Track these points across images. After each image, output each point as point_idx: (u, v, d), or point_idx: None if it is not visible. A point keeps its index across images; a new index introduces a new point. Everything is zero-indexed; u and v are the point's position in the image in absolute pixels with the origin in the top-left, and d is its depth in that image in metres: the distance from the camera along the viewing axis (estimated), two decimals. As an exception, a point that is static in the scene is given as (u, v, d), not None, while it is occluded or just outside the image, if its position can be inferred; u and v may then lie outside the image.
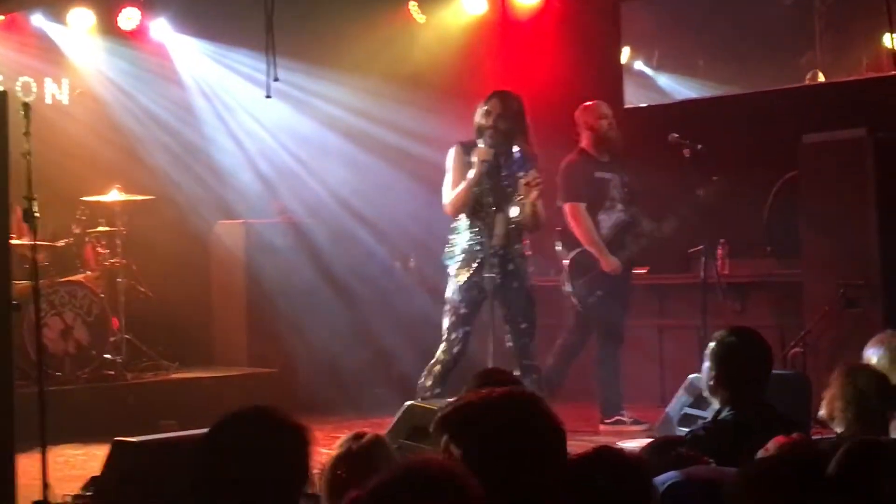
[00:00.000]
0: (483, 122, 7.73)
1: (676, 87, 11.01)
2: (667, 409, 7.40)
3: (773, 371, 4.91)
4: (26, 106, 6.26)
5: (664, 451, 3.97)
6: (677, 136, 8.60)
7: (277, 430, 3.12)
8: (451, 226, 7.89)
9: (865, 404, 4.60)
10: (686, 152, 8.55)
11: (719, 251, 9.33)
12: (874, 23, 9.44)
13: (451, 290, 7.79)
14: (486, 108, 7.75)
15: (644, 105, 10.87)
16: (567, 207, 8.72)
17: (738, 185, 8.81)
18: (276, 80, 6.93)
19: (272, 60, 6.71)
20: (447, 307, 7.80)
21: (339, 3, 10.50)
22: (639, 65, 11.09)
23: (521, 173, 7.71)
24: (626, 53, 10.99)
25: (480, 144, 7.68)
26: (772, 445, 3.73)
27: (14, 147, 6.00)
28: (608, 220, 8.74)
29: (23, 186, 6.10)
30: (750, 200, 9.32)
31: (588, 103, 8.93)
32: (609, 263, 8.61)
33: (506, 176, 7.73)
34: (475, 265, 7.66)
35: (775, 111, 9.62)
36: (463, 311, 7.71)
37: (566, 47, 10.78)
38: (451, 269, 7.80)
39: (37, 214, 6.15)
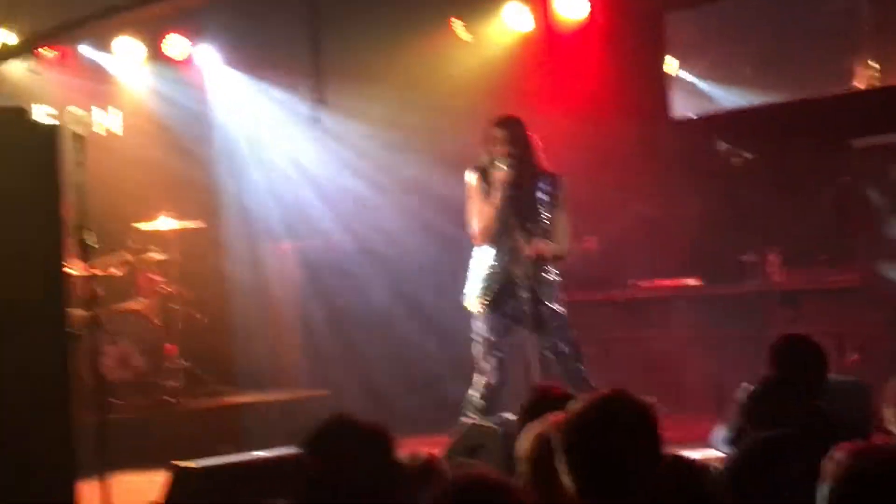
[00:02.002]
0: (495, 150, 7.51)
1: (724, 96, 10.94)
2: (723, 419, 7.33)
3: (832, 378, 4.87)
4: (79, 137, 6.35)
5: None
6: (726, 145, 8.57)
7: (365, 436, 3.29)
8: (473, 252, 7.72)
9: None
10: (736, 161, 8.52)
11: (773, 259, 9.27)
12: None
13: (476, 319, 7.64)
14: (492, 137, 7.55)
15: (691, 115, 10.81)
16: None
17: (791, 192, 8.76)
18: (323, 103, 6.90)
19: (319, 84, 6.69)
20: (476, 337, 7.63)
21: (384, 25, 10.50)
22: (685, 74, 11.04)
23: (545, 197, 7.63)
24: (673, 64, 10.94)
25: (500, 166, 7.49)
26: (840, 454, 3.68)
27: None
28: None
29: (77, 217, 6.18)
30: (802, 207, 9.25)
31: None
32: None
33: (528, 199, 7.56)
34: (497, 291, 7.51)
35: (825, 117, 9.56)
36: (493, 338, 7.55)
37: (612, 60, 10.73)
38: (480, 299, 7.60)
39: (94, 245, 6.22)
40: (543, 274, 7.60)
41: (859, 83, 9.88)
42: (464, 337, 7.90)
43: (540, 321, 7.55)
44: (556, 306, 7.63)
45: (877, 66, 9.82)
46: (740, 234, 8.77)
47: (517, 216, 7.47)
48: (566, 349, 7.61)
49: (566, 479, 3.09)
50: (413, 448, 4.09)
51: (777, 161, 9.16)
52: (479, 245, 7.64)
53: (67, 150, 6.14)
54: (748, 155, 8.46)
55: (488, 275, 7.58)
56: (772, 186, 8.57)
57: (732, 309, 9.68)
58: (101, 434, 6.38)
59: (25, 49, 7.56)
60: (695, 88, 11.02)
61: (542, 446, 3.48)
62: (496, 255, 7.57)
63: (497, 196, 7.46)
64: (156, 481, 5.79)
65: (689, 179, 9.37)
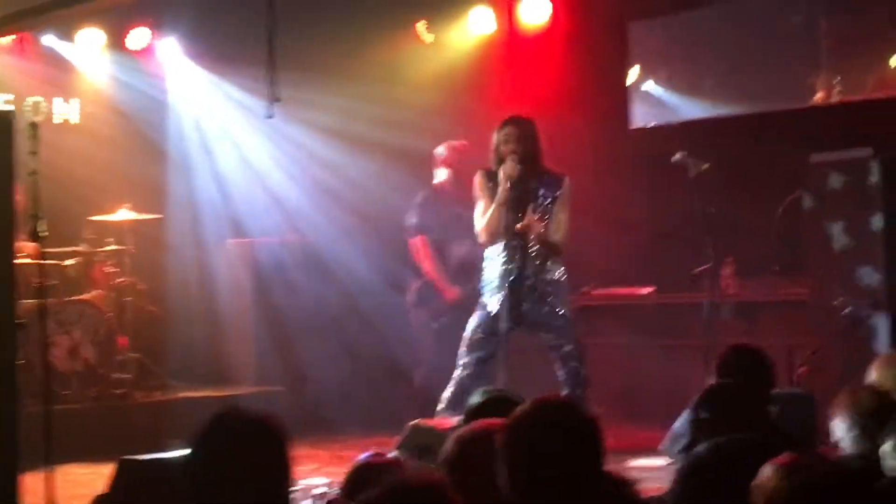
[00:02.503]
0: (503, 149, 7.63)
1: (684, 106, 11.00)
2: (674, 426, 7.37)
3: (781, 390, 4.90)
4: (34, 126, 6.31)
5: None
6: (681, 155, 8.59)
7: (254, 432, 3.21)
8: (485, 254, 7.84)
9: (867, 424, 4.58)
10: (691, 172, 8.54)
11: (726, 270, 9.32)
12: (881, 43, 9.46)
13: (473, 316, 7.74)
14: (502, 135, 7.65)
15: (649, 125, 10.87)
16: (415, 240, 9.19)
17: (746, 203, 8.81)
18: (277, 100, 6.88)
19: (273, 80, 6.66)
20: (467, 331, 7.74)
21: (345, 23, 10.50)
22: (648, 84, 11.09)
23: (547, 196, 7.69)
24: (634, 73, 10.99)
25: (507, 163, 7.56)
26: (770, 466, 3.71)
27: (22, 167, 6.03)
28: (458, 252, 9.12)
29: (29, 205, 6.15)
30: (757, 219, 9.30)
31: (454, 143, 9.29)
32: (450, 293, 9.03)
33: (535, 199, 7.66)
34: (505, 292, 7.57)
35: (782, 131, 9.63)
36: (478, 335, 7.63)
37: (573, 66, 10.75)
38: (484, 297, 7.74)
39: (44, 233, 6.18)
40: (549, 273, 7.68)
41: (818, 98, 9.96)
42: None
43: (541, 320, 7.64)
44: (561, 305, 7.70)
45: (835, 81, 9.90)
46: (694, 244, 8.79)
47: (523, 214, 7.56)
48: (568, 348, 7.68)
49: (502, 481, 3.12)
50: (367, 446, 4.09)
51: (734, 172, 9.20)
52: (485, 244, 7.74)
53: (22, 138, 6.10)
54: (705, 165, 8.48)
55: (498, 274, 7.64)
56: (727, 197, 8.60)
57: (685, 318, 9.73)
58: (47, 425, 6.33)
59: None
60: (655, 98, 11.08)
61: (462, 449, 3.49)
62: (506, 254, 7.63)
63: (501, 192, 7.53)
64: (102, 474, 5.77)
65: (646, 188, 9.40)
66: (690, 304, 9.44)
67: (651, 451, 8.21)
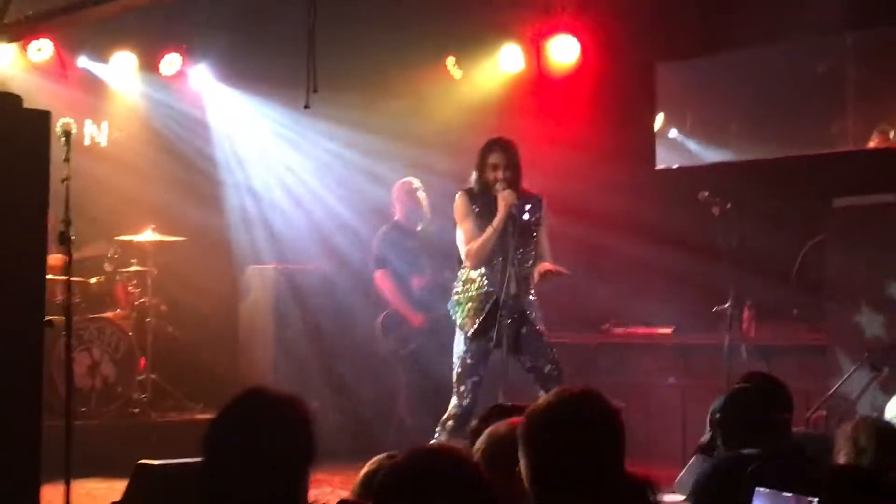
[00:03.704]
0: (490, 175, 7.60)
1: (707, 154, 11.05)
2: (689, 463, 7.36)
3: (798, 431, 4.92)
4: (67, 133, 6.40)
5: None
6: (707, 193, 8.63)
7: (274, 407, 3.15)
8: (459, 274, 7.78)
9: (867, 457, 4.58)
10: (715, 210, 8.57)
11: (746, 312, 9.33)
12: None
13: (457, 342, 7.65)
14: (491, 159, 7.63)
15: (675, 167, 10.91)
16: (375, 274, 9.74)
17: (768, 246, 8.83)
18: (315, 91, 6.90)
19: (313, 72, 6.69)
20: (455, 359, 7.64)
21: (379, 54, 10.57)
22: (672, 133, 11.14)
23: (531, 219, 7.68)
24: (659, 119, 11.03)
25: (500, 188, 7.55)
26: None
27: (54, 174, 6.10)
28: (420, 282, 9.68)
29: (60, 211, 6.22)
30: (778, 263, 9.31)
31: (404, 180, 9.89)
32: (416, 319, 9.50)
33: (515, 226, 7.58)
34: (484, 314, 7.52)
35: (806, 176, 9.65)
36: (469, 361, 7.54)
37: (601, 107, 10.80)
38: (458, 320, 7.65)
39: (73, 237, 6.25)
40: (529, 295, 7.66)
41: (844, 144, 9.99)
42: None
43: (524, 341, 7.59)
44: (539, 326, 7.67)
45: (858, 129, 9.94)
46: (715, 285, 8.82)
47: (513, 238, 7.52)
48: (547, 368, 7.63)
49: (524, 470, 3.13)
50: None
51: (756, 215, 9.22)
52: (472, 266, 7.66)
53: (57, 144, 6.19)
54: (728, 204, 8.51)
55: (476, 296, 7.60)
56: (749, 239, 8.63)
57: (703, 359, 9.73)
58: (67, 440, 6.37)
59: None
60: (680, 145, 11.12)
61: (494, 443, 3.51)
62: (488, 276, 7.59)
63: (499, 219, 7.50)
64: (117, 489, 5.78)
65: (670, 227, 9.43)
66: (708, 344, 9.46)
67: (666, 488, 8.20)
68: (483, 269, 7.61)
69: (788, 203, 9.55)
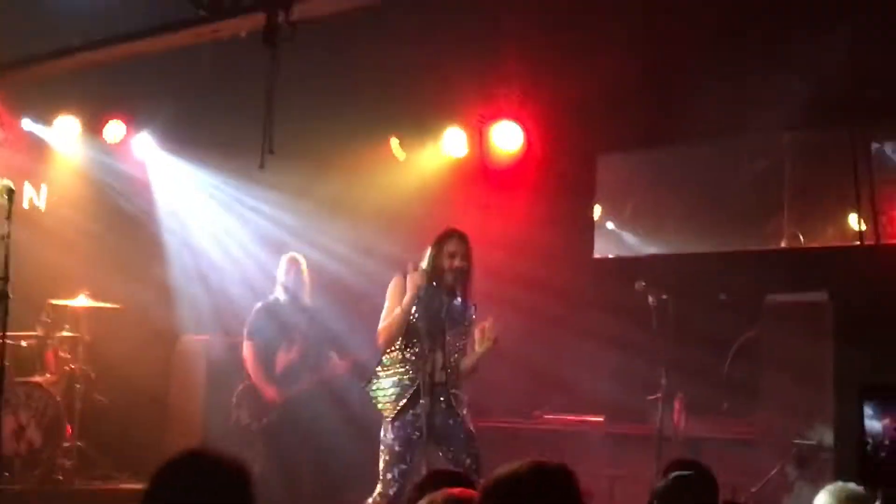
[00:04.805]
0: (446, 263, 7.57)
1: (643, 246, 11.19)
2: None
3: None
4: (11, 190, 6.37)
5: None
6: (644, 283, 8.71)
7: (215, 473, 3.08)
8: (382, 359, 7.63)
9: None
10: (651, 300, 8.65)
11: (677, 404, 9.38)
12: (842, 196, 9.68)
13: (383, 429, 7.50)
14: (449, 247, 7.61)
15: (612, 256, 11.02)
16: (244, 344, 9.87)
17: (700, 340, 8.91)
18: (271, 152, 6.90)
19: (269, 133, 6.71)
20: (381, 446, 7.49)
21: (325, 126, 10.61)
22: (610, 224, 11.25)
23: (467, 318, 7.66)
24: (597, 211, 11.14)
25: (409, 269, 7.50)
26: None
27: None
28: (285, 357, 9.88)
29: (-1, 268, 6.18)
30: (709, 357, 9.40)
31: (290, 254, 10.17)
32: (269, 393, 9.70)
33: (448, 315, 7.53)
34: (405, 401, 7.42)
35: (740, 271, 9.77)
36: (398, 448, 7.41)
37: (542, 195, 10.88)
38: (378, 404, 7.53)
39: (10, 295, 6.20)
40: (456, 386, 7.60)
41: (779, 242, 10.14)
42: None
43: (447, 432, 7.51)
44: (464, 417, 7.60)
45: (794, 228, 10.11)
46: (647, 376, 8.88)
47: (431, 328, 7.44)
48: (468, 462, 7.50)
49: None
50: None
51: (691, 307, 9.31)
52: (381, 346, 7.58)
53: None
54: (664, 295, 8.60)
55: (398, 381, 7.51)
56: (683, 331, 8.71)
57: (633, 449, 9.75)
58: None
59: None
60: (617, 236, 11.25)
61: None
62: (405, 363, 7.53)
63: (408, 299, 7.44)
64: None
65: (605, 316, 9.50)
66: (640, 434, 9.51)
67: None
68: (403, 355, 7.53)
69: (723, 297, 9.67)
